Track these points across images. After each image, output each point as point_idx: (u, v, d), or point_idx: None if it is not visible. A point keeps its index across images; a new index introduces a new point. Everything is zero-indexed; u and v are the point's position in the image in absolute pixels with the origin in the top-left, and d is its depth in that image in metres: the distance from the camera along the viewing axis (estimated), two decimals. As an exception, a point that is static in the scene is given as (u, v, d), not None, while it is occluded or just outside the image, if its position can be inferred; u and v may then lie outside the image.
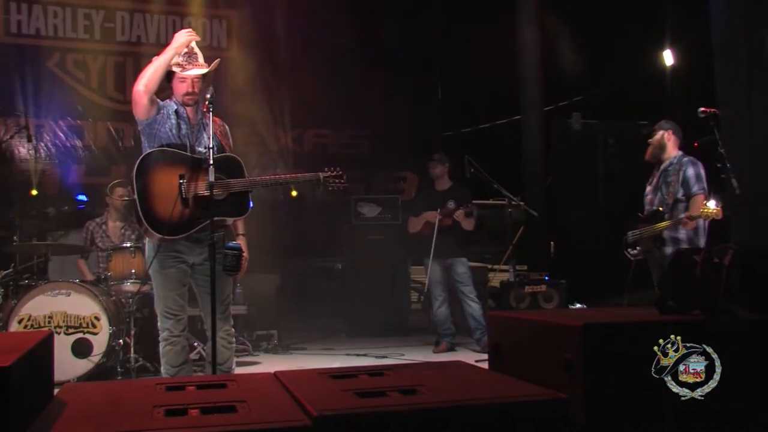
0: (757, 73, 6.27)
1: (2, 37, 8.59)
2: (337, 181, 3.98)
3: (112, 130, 8.96)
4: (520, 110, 9.36)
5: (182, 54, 3.78)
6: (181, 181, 3.62)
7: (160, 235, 3.64)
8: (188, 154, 3.72)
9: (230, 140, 3.98)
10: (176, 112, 3.81)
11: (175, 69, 3.78)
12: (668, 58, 8.97)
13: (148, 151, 3.72)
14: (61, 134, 8.75)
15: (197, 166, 3.68)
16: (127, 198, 6.35)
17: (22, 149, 8.37)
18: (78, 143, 8.80)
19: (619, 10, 8.73)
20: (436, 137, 10.08)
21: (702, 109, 4.61)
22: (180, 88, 3.79)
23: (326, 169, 3.98)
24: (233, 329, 3.92)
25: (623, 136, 9.10)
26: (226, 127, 4.00)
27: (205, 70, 3.83)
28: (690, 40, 8.34)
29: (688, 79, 8.39)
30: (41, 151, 8.55)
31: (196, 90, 3.79)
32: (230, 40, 9.31)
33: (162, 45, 9.82)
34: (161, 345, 3.76)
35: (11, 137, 7.62)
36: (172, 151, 3.72)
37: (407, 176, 10.25)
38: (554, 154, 9.20)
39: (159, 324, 3.79)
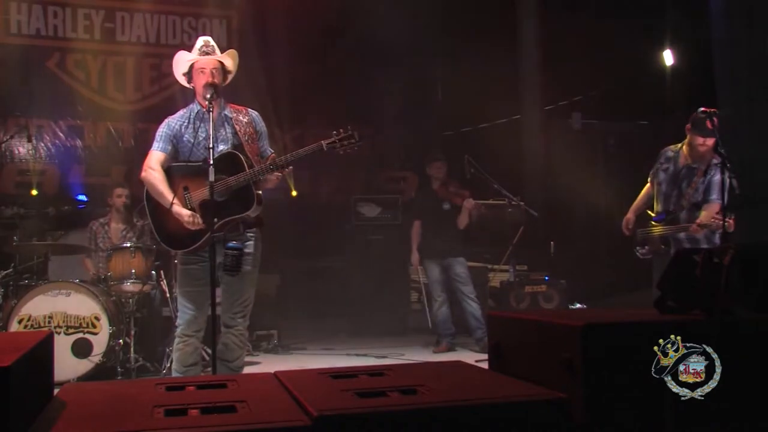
0: (757, 73, 6.27)
1: (2, 37, 8.59)
2: (346, 142, 3.68)
3: (112, 130, 8.96)
4: (520, 110, 9.36)
5: (199, 48, 3.81)
6: (186, 193, 3.71)
7: (177, 251, 3.80)
8: (191, 163, 3.76)
9: (257, 125, 3.88)
10: (197, 114, 3.82)
11: (192, 59, 3.81)
12: (668, 58, 8.97)
13: None
14: (61, 134, 8.75)
15: (201, 172, 3.67)
16: (126, 198, 6.37)
17: (22, 149, 8.37)
18: (78, 143, 8.80)
19: (619, 10, 8.73)
20: (436, 137, 10.08)
21: (702, 109, 4.60)
22: (200, 79, 3.78)
23: (333, 132, 3.70)
24: (247, 331, 3.90)
25: (623, 136, 9.10)
26: (254, 115, 3.92)
27: (226, 59, 3.88)
28: (690, 40, 8.34)
29: (688, 79, 8.39)
30: (41, 151, 8.55)
31: (216, 80, 3.77)
32: (230, 40, 9.31)
33: (162, 45, 9.84)
34: (175, 341, 3.80)
35: (11, 137, 7.61)
36: (175, 165, 3.79)
37: (407, 176, 10.24)
38: (554, 154, 9.20)
39: (177, 320, 3.84)
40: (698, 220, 4.69)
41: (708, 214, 4.68)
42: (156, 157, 3.77)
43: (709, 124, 4.78)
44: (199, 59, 3.80)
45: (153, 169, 3.75)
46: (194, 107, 3.87)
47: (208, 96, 3.67)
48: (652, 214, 5.08)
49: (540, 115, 9.19)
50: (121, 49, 8.98)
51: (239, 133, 3.78)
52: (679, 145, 5.03)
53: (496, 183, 6.98)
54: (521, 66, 9.18)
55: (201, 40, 3.88)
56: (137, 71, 9.04)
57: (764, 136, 6.11)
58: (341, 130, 3.71)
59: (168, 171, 3.78)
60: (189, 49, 3.95)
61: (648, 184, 5.23)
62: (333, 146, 3.68)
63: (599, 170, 9.18)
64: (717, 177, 4.80)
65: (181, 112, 3.89)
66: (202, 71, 3.78)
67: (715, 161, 4.86)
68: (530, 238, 7.77)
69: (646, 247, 5.03)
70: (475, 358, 5.98)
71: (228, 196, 3.64)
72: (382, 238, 8.26)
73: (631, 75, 8.97)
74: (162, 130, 3.83)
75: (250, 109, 3.96)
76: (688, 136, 4.92)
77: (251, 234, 3.77)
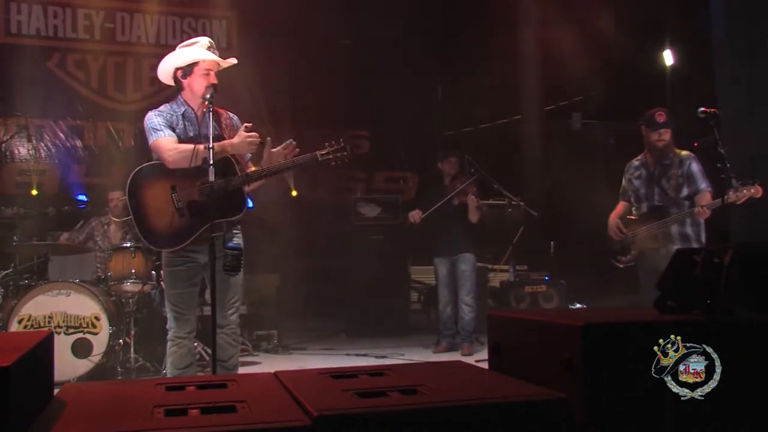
0: (757, 73, 6.27)
1: (2, 37, 8.60)
2: (338, 154, 3.79)
3: (112, 130, 8.97)
4: (520, 110, 9.36)
5: (206, 47, 3.78)
6: (173, 193, 3.62)
7: (162, 249, 3.73)
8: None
9: (238, 129, 3.87)
10: (183, 114, 3.78)
11: (200, 57, 3.74)
12: (668, 58, 8.98)
13: (137, 168, 3.72)
14: (61, 134, 8.76)
15: (190, 172, 3.62)
16: (122, 201, 6.37)
17: (22, 149, 8.38)
18: (78, 143, 8.82)
19: (620, 9, 8.73)
20: (436, 137, 10.09)
21: (702, 109, 4.58)
22: (204, 79, 3.73)
23: (326, 144, 3.80)
24: (239, 329, 3.90)
25: (623, 136, 9.10)
26: (235, 118, 3.94)
27: (235, 61, 3.85)
28: (690, 40, 8.34)
29: (688, 79, 8.39)
30: (41, 151, 8.56)
31: (216, 82, 3.76)
32: (230, 40, 9.32)
33: (162, 45, 9.83)
34: (168, 345, 3.76)
35: (11, 137, 7.62)
36: (162, 163, 3.71)
37: (407, 176, 10.26)
38: (554, 154, 9.20)
39: (167, 325, 3.78)
40: (702, 203, 4.64)
41: (705, 201, 4.66)
42: (169, 141, 3.66)
43: (659, 118, 4.82)
44: (205, 59, 3.75)
45: (174, 148, 3.63)
46: (181, 106, 3.80)
47: (209, 96, 3.65)
48: (633, 218, 5.04)
49: (540, 115, 9.20)
50: (121, 49, 8.99)
51: (225, 135, 3.78)
52: (642, 153, 5.04)
53: (496, 183, 6.97)
54: (521, 66, 9.18)
55: (206, 40, 3.82)
56: (137, 71, 9.05)
57: (764, 136, 6.11)
58: (333, 143, 3.82)
59: (156, 169, 3.70)
60: (220, 54, 3.87)
61: (620, 203, 5.16)
62: (326, 157, 3.80)
63: (599, 170, 9.18)
64: (695, 166, 4.81)
65: (165, 108, 3.79)
66: (207, 72, 3.74)
67: (684, 153, 4.87)
68: (530, 238, 7.77)
69: (631, 252, 4.97)
70: (475, 358, 5.99)
71: (219, 197, 3.58)
72: (382, 238, 8.26)
73: (631, 75, 8.97)
74: (156, 119, 3.72)
75: (229, 112, 3.95)
76: (644, 137, 4.94)
77: (236, 232, 3.76)
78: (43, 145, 8.59)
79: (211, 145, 3.48)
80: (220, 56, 3.84)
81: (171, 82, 3.87)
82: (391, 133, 10.00)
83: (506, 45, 9.20)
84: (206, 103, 3.64)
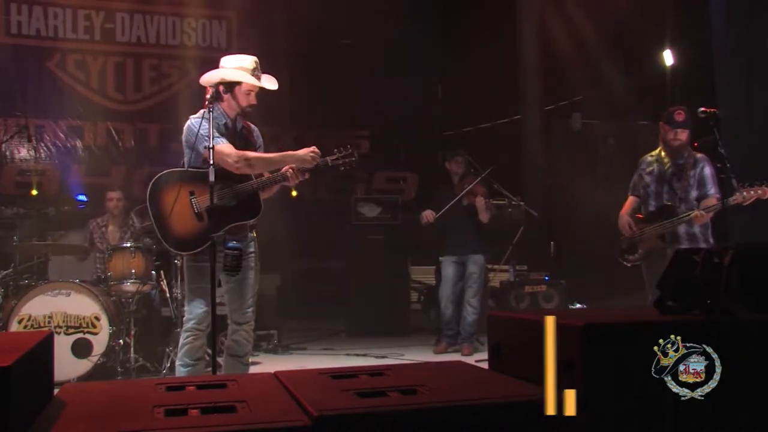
0: (757, 73, 6.28)
1: (2, 38, 8.60)
2: (348, 160, 3.92)
3: (112, 130, 8.97)
4: (520, 110, 9.36)
5: (251, 69, 3.88)
6: (192, 197, 3.76)
7: (183, 253, 3.86)
8: (199, 169, 3.76)
9: (258, 139, 4.07)
10: (225, 125, 3.87)
11: (244, 79, 3.85)
12: (668, 58, 8.97)
13: (157, 175, 3.86)
14: (61, 134, 8.76)
15: (207, 177, 3.66)
16: (119, 201, 6.39)
17: (22, 149, 8.38)
18: (78, 143, 8.82)
19: (620, 9, 8.73)
20: (436, 137, 10.09)
21: (702, 109, 4.57)
22: (244, 99, 3.87)
23: (335, 150, 3.93)
24: (253, 323, 4.00)
25: (623, 136, 9.10)
26: (254, 128, 4.09)
27: (275, 86, 3.99)
28: (690, 40, 8.34)
29: (688, 79, 8.39)
30: (41, 151, 8.56)
31: (255, 103, 3.92)
32: (230, 41, 9.32)
33: (162, 45, 9.80)
34: (183, 336, 3.80)
35: (11, 137, 7.61)
36: (180, 170, 3.85)
37: (407, 176, 10.25)
38: (554, 154, 9.20)
39: (185, 316, 3.84)
40: (702, 205, 4.62)
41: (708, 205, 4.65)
42: (230, 147, 3.77)
43: (678, 117, 4.77)
44: (251, 82, 3.86)
45: (240, 154, 3.75)
46: (221, 117, 3.87)
47: (209, 97, 3.74)
48: (641, 216, 5.01)
49: (540, 115, 9.19)
50: (121, 49, 8.99)
51: (253, 145, 3.97)
52: (657, 149, 4.99)
53: (496, 183, 6.96)
54: (521, 66, 9.17)
55: (252, 61, 3.92)
56: (137, 71, 9.04)
57: (764, 136, 6.12)
58: (342, 149, 3.93)
59: (174, 176, 3.82)
60: (219, 54, 3.99)
61: (629, 198, 5.13)
62: (336, 162, 3.92)
63: (599, 170, 9.18)
64: (708, 170, 4.76)
65: (203, 114, 3.82)
66: (249, 92, 3.88)
67: (699, 155, 4.85)
68: (530, 238, 7.76)
69: (639, 251, 4.95)
70: (475, 358, 5.99)
71: (237, 201, 3.75)
72: (382, 238, 8.26)
73: (631, 75, 8.97)
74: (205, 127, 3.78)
75: (251, 124, 4.09)
76: (661, 134, 4.89)
77: (251, 234, 3.94)
78: (43, 145, 8.58)
79: (211, 146, 3.55)
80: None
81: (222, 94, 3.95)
82: (391, 133, 9.99)
83: (506, 45, 9.19)
84: (207, 104, 3.70)
